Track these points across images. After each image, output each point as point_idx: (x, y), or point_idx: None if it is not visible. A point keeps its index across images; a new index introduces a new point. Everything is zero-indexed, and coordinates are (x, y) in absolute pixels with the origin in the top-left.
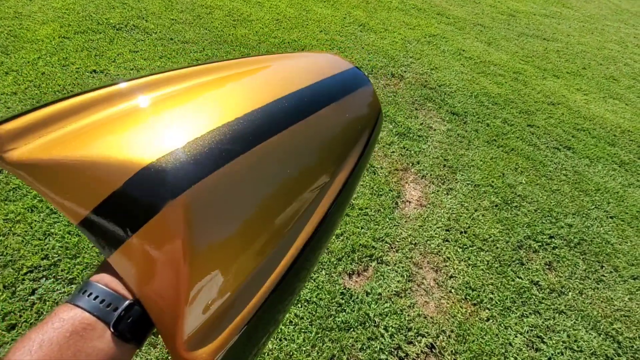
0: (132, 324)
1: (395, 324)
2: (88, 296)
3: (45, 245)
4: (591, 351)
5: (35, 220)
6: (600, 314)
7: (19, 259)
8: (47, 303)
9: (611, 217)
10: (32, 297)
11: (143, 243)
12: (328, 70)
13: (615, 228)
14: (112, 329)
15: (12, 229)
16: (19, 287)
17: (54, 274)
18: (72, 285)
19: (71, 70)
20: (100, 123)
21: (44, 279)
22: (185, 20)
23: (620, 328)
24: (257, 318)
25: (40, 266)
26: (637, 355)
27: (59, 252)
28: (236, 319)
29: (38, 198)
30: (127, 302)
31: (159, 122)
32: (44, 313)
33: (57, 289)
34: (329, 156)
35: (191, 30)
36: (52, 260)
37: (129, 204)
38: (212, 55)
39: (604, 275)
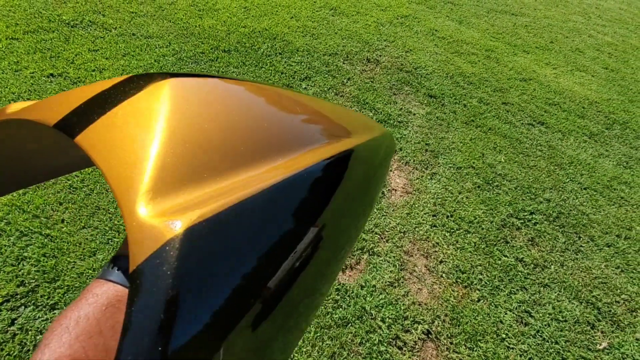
0: None
1: (392, 314)
2: (117, 270)
3: (19, 271)
4: (574, 320)
5: (5, 245)
6: (580, 284)
7: None
8: (30, 333)
9: (585, 189)
10: (11, 328)
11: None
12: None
13: (589, 199)
14: None
15: None
16: None
17: (33, 301)
18: (55, 311)
19: (25, 76)
20: None
21: (23, 307)
22: (146, 13)
23: (599, 295)
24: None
25: (17, 294)
26: (614, 319)
27: (36, 276)
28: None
29: (5, 221)
30: None
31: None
32: (28, 344)
33: (39, 317)
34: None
35: (154, 24)
36: (30, 287)
37: None
38: (179, 50)
39: (581, 246)
